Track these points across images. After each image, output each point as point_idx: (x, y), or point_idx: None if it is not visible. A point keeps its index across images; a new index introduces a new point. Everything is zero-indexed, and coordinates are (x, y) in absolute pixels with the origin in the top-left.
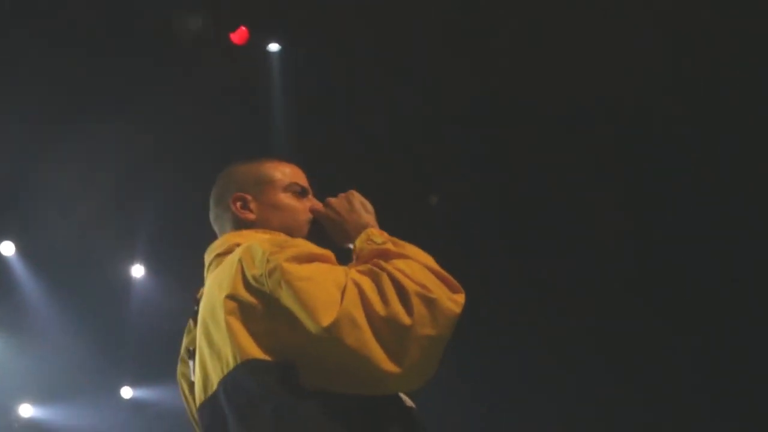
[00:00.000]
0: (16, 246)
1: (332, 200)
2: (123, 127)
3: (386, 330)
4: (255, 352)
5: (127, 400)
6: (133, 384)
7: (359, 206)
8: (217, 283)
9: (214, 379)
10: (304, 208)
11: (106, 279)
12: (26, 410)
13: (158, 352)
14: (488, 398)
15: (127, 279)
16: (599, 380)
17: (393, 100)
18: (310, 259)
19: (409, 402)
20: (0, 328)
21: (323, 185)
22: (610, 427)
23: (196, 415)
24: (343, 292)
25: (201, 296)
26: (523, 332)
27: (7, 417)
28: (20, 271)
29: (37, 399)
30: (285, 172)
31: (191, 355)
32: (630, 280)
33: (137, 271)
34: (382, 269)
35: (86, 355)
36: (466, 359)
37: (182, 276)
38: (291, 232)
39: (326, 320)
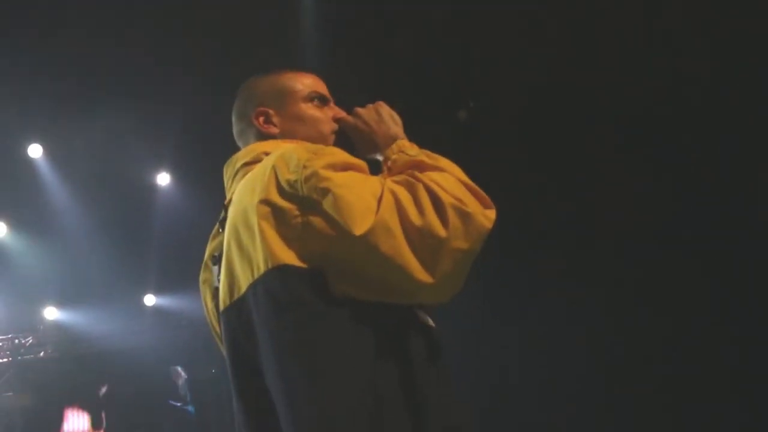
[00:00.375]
0: (44, 149)
1: (360, 110)
2: (153, 34)
3: (421, 240)
4: (287, 257)
5: (149, 306)
6: (156, 291)
7: (388, 117)
8: (249, 189)
9: (243, 283)
10: (327, 117)
11: (132, 186)
12: (51, 313)
13: (182, 261)
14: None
15: (153, 187)
16: (624, 308)
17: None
18: (345, 167)
19: (430, 322)
20: (25, 231)
21: (349, 98)
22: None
23: (218, 320)
24: (379, 201)
25: (229, 202)
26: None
27: (32, 319)
28: (47, 173)
29: (62, 302)
30: (305, 83)
31: (216, 260)
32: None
33: (163, 179)
34: (418, 180)
35: (111, 261)
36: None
37: (208, 185)
38: (316, 143)
39: (362, 227)
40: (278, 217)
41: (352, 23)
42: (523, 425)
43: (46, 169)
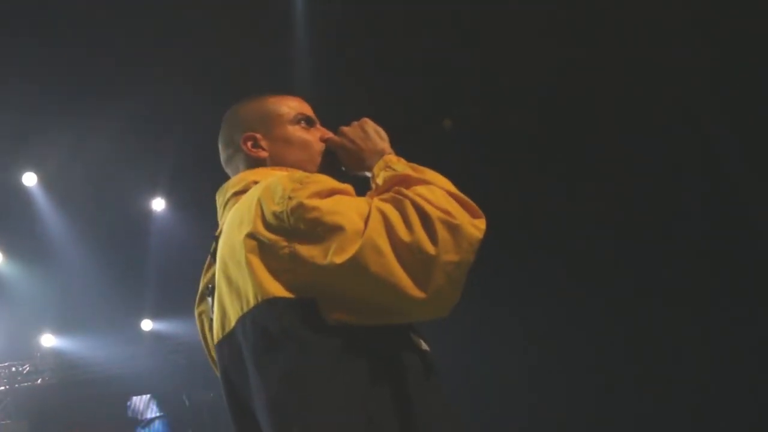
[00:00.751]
0: (38, 177)
1: (346, 129)
2: (148, 60)
3: (411, 257)
4: (276, 290)
5: (147, 332)
6: (153, 317)
7: (374, 133)
8: (237, 222)
9: (233, 317)
10: (315, 139)
11: (128, 212)
12: (48, 340)
13: (179, 285)
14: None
15: (149, 212)
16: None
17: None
18: (331, 193)
19: (424, 345)
20: (21, 259)
21: (335, 118)
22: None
23: (213, 353)
24: (366, 221)
25: (219, 233)
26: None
27: (29, 346)
28: (42, 202)
29: (59, 329)
30: (291, 105)
31: (210, 292)
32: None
33: (158, 204)
34: (405, 196)
35: (107, 287)
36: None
37: (203, 210)
38: (305, 165)
39: (351, 251)
40: (265, 249)
41: (344, 40)
42: None
43: (40, 197)
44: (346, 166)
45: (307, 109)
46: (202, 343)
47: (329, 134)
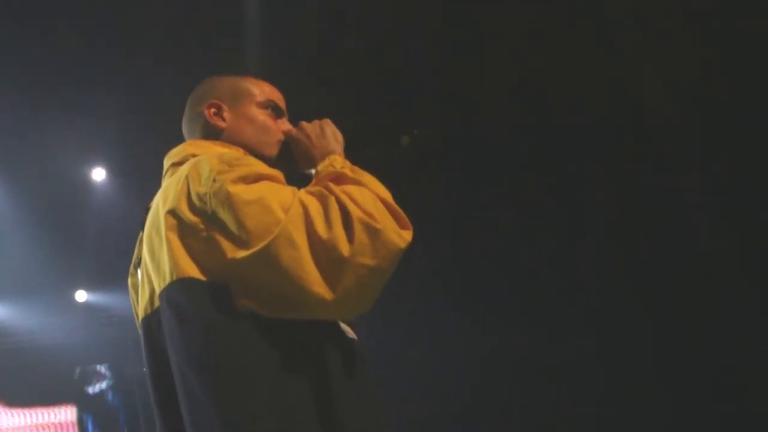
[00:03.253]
0: None
1: (305, 124)
2: (87, 24)
3: (325, 254)
4: (190, 269)
5: (81, 303)
6: (87, 288)
7: (330, 134)
8: (164, 196)
9: (157, 292)
10: (276, 128)
11: (67, 181)
12: None
13: (115, 257)
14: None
15: (88, 182)
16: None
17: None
18: (257, 178)
19: (350, 333)
20: None
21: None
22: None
23: (140, 326)
24: (286, 212)
25: (151, 206)
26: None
27: None
28: None
29: None
30: (264, 90)
31: (139, 264)
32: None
33: (98, 174)
34: (331, 192)
35: (43, 256)
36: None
37: (144, 180)
38: (259, 148)
39: (265, 239)
40: (184, 229)
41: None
42: None
43: None
44: (297, 161)
45: (279, 99)
46: (134, 315)
47: (292, 128)
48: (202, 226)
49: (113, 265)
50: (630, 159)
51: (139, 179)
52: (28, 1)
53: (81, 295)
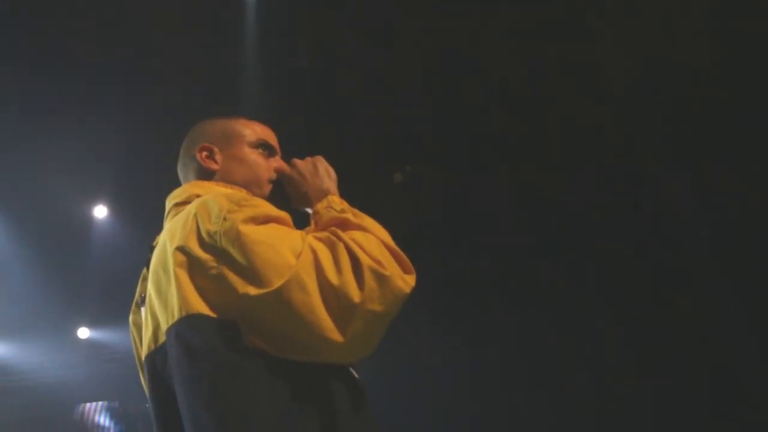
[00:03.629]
0: None
1: (298, 161)
2: (90, 63)
3: (336, 300)
4: (200, 306)
5: (83, 340)
6: (90, 325)
7: (324, 172)
8: (171, 234)
9: (163, 329)
10: (268, 166)
11: (69, 219)
12: None
13: (117, 294)
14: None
15: (89, 220)
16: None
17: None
18: (266, 220)
19: (353, 372)
20: None
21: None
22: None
23: (143, 363)
24: (298, 257)
25: (156, 244)
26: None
27: None
28: None
29: None
30: (255, 130)
31: (143, 302)
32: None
33: (100, 212)
34: (339, 239)
35: (45, 294)
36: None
37: (145, 218)
38: (251, 187)
39: (277, 283)
40: (194, 266)
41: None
42: None
43: None
44: (291, 199)
45: (271, 138)
46: (135, 352)
47: (285, 166)
48: (213, 263)
49: (115, 301)
50: (623, 160)
51: (141, 217)
52: (35, 45)
53: (83, 332)
